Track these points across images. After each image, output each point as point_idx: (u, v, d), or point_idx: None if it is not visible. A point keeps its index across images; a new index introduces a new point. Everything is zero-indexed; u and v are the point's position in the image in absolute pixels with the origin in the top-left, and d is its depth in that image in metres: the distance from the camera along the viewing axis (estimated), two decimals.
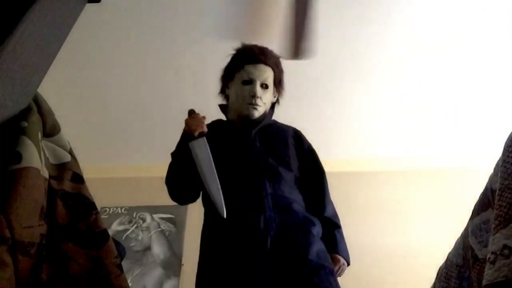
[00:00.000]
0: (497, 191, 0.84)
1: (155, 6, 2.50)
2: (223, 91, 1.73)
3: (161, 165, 3.51)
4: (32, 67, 0.88)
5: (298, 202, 1.50)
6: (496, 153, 0.96)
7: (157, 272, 3.23)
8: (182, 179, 1.54)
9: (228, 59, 1.71)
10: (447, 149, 3.63)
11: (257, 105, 1.58)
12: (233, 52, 1.70)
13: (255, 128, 1.61)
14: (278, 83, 1.69)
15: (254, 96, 1.57)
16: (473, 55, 2.84)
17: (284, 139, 1.63)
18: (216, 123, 1.71)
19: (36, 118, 0.88)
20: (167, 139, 3.48)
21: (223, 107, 1.73)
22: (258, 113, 1.60)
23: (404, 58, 2.87)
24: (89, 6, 1.10)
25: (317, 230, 1.46)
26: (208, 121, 1.62)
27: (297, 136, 1.69)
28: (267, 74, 1.62)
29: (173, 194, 1.58)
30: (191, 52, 2.78)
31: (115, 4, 2.42)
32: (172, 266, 3.26)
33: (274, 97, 1.70)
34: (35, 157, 0.81)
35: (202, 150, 1.46)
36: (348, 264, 1.54)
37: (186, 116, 1.61)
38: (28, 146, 0.81)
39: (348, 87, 3.07)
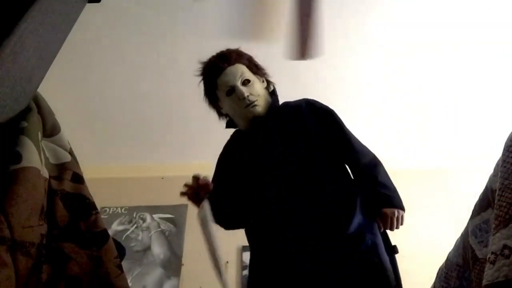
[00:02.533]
0: (497, 191, 0.84)
1: (155, 6, 2.50)
2: (220, 114, 1.72)
3: (161, 165, 3.55)
4: (32, 67, 0.88)
5: (332, 178, 1.46)
6: (496, 153, 0.96)
7: (157, 272, 3.23)
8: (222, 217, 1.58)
9: (201, 87, 1.70)
10: (447, 149, 3.63)
11: (252, 102, 1.55)
12: (199, 76, 1.70)
13: (265, 122, 1.58)
14: (256, 68, 1.65)
15: (244, 98, 1.55)
16: (473, 55, 2.84)
17: (300, 116, 1.58)
18: (235, 135, 1.72)
19: (36, 118, 0.88)
20: (167, 139, 3.51)
21: (231, 124, 1.71)
22: (260, 107, 1.57)
23: (404, 58, 2.87)
24: (89, 6, 1.10)
25: (359, 199, 1.43)
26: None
27: (310, 105, 1.63)
28: (240, 71, 1.59)
29: (221, 226, 1.62)
30: (191, 52, 2.77)
31: (115, 4, 2.42)
32: (172, 266, 3.25)
33: (262, 81, 1.66)
34: (35, 157, 0.81)
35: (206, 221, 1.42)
36: (403, 210, 1.45)
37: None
38: (28, 146, 0.81)
39: (347, 86, 3.07)
